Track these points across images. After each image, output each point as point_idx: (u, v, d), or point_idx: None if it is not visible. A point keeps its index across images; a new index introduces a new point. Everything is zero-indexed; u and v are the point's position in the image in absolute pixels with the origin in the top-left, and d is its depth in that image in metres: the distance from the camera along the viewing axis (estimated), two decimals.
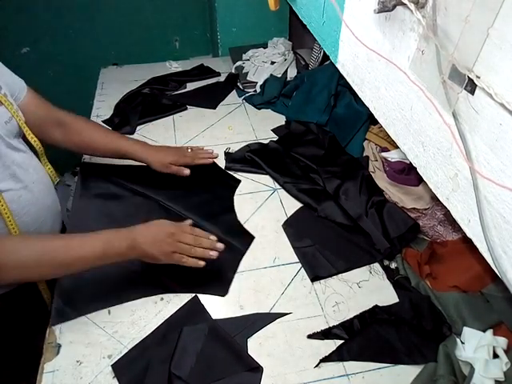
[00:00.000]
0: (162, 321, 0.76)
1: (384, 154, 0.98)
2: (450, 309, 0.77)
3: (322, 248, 0.89)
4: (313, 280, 0.84)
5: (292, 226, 0.95)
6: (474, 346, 0.70)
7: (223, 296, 0.81)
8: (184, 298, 0.80)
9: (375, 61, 0.69)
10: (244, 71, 1.43)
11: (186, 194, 1.01)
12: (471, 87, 0.47)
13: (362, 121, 1.10)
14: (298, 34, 1.60)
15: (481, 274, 0.78)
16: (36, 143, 0.90)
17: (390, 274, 0.85)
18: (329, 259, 0.86)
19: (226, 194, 1.02)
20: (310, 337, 0.75)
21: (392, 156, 0.96)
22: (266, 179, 1.08)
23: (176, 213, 0.96)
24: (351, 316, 0.77)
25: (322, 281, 0.84)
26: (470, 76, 0.45)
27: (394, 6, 0.55)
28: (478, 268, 0.78)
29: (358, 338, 0.74)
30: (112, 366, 0.70)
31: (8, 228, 0.77)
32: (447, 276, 0.81)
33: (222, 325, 0.75)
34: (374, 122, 1.08)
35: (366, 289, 0.82)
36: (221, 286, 0.83)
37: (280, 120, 1.27)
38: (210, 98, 1.37)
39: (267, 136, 1.21)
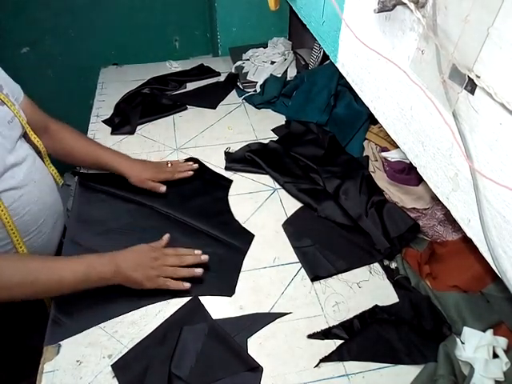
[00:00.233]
0: (162, 321, 0.76)
1: (384, 154, 0.98)
2: (450, 309, 0.77)
3: (321, 248, 0.89)
4: (313, 280, 0.83)
5: (292, 226, 0.95)
6: (474, 345, 0.70)
7: (230, 296, 0.81)
8: (184, 298, 0.80)
9: (375, 60, 0.69)
10: (244, 71, 1.43)
11: (180, 199, 1.01)
12: (471, 87, 0.47)
13: (362, 120, 1.10)
14: (297, 33, 1.60)
15: (481, 273, 0.78)
16: (39, 143, 0.90)
17: (390, 274, 0.84)
18: (329, 259, 0.86)
19: (220, 195, 1.02)
20: (309, 337, 0.75)
21: (392, 156, 0.96)
22: (266, 179, 1.07)
23: (175, 218, 0.95)
24: (351, 316, 0.77)
25: (321, 281, 0.84)
26: (470, 76, 0.45)
27: (394, 6, 0.55)
28: (478, 268, 0.78)
29: (358, 337, 0.74)
30: (112, 365, 0.70)
31: (7, 229, 0.77)
32: (447, 276, 0.81)
33: (222, 325, 0.75)
34: (374, 121, 1.08)
35: (366, 289, 0.82)
36: (227, 286, 0.82)
37: (280, 120, 1.27)
38: (210, 97, 1.37)
39: (267, 136, 1.21)
